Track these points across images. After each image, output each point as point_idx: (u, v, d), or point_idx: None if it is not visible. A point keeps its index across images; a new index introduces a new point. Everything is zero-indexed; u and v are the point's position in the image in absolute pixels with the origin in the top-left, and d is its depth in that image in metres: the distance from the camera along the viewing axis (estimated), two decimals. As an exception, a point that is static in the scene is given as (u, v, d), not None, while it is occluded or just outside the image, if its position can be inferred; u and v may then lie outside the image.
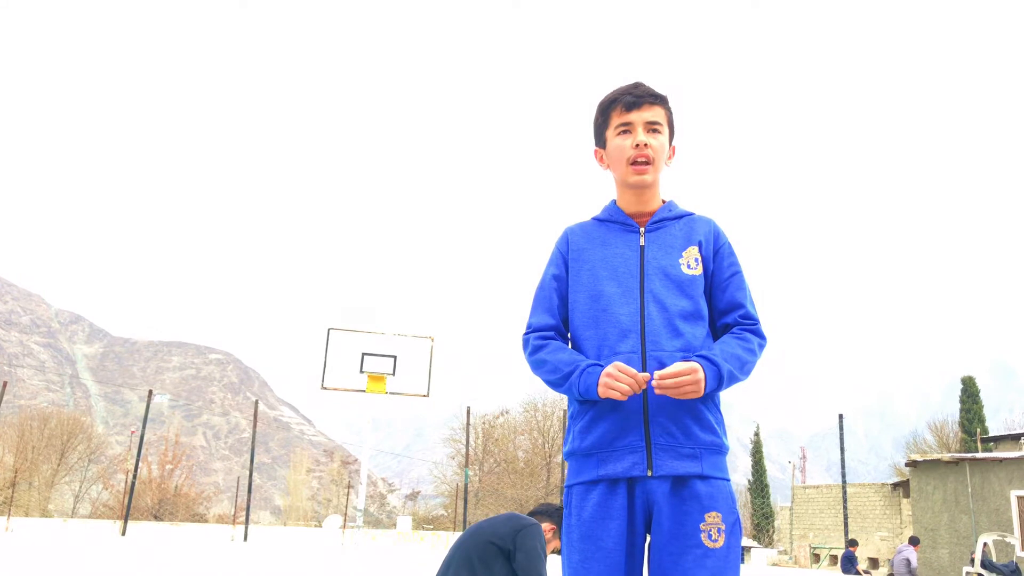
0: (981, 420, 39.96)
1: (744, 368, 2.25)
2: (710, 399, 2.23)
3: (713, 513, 2.13)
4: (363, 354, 14.26)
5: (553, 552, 4.48)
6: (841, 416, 18.16)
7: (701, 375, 2.11)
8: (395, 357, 14.37)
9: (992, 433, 36.97)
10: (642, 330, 2.23)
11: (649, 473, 2.14)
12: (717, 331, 2.36)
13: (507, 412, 49.51)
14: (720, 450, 2.22)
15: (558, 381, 2.27)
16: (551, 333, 2.36)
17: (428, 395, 14.64)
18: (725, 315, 2.35)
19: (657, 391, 2.11)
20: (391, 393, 14.37)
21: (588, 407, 2.24)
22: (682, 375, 2.09)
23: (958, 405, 42.06)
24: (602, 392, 2.13)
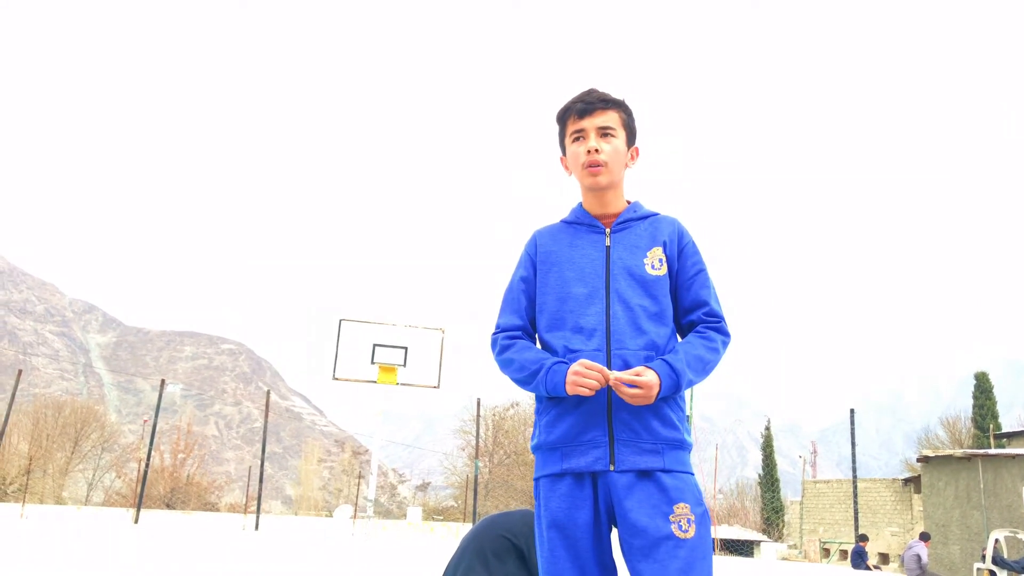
0: (994, 416, 39.70)
1: (705, 368, 2.34)
2: (672, 397, 2.30)
3: (681, 504, 2.19)
4: (374, 345, 14.31)
5: None
6: (852, 411, 18.07)
7: (656, 389, 2.19)
8: (406, 348, 14.41)
9: (1005, 429, 36.70)
10: (607, 329, 2.30)
11: (611, 467, 2.21)
12: (682, 328, 2.43)
13: (517, 404, 49.58)
14: (682, 446, 2.29)
15: (525, 379, 2.35)
16: (518, 333, 2.44)
17: (439, 386, 14.68)
18: (690, 313, 2.41)
19: (615, 389, 2.19)
20: (402, 384, 14.41)
21: (553, 403, 2.32)
22: (638, 387, 2.17)
23: (971, 401, 41.79)
24: (570, 389, 2.21)
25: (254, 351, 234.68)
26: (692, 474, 2.29)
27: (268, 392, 21.12)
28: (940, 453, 24.65)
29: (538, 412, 2.39)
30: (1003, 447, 29.84)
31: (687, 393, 2.38)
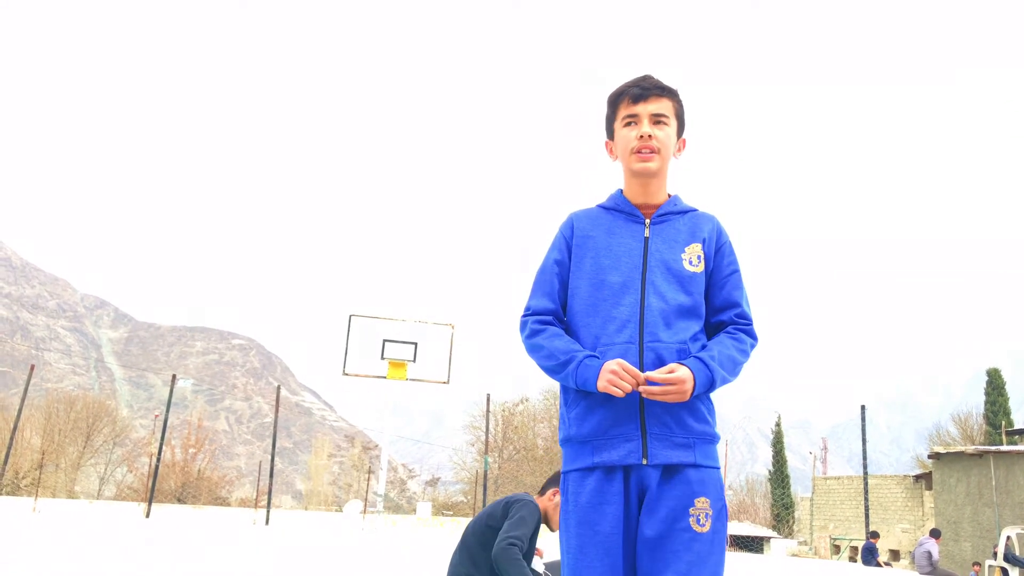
0: (1006, 413, 39.47)
1: (735, 370, 2.31)
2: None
3: (702, 498, 2.18)
4: (384, 340, 14.36)
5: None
6: (863, 407, 17.99)
7: (690, 385, 2.15)
8: (416, 344, 14.45)
9: (1017, 426, 36.51)
10: (641, 321, 2.26)
11: (644, 461, 2.18)
12: (711, 327, 2.39)
13: (527, 400, 49.63)
14: (712, 439, 2.27)
15: (554, 368, 2.31)
16: (550, 318, 2.39)
17: (448, 382, 14.71)
18: (720, 312, 2.38)
19: (644, 394, 2.15)
20: (412, 379, 14.45)
21: (583, 395, 2.28)
22: (671, 383, 2.13)
23: (982, 397, 41.59)
24: (602, 387, 2.17)
25: (264, 346, 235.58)
26: (718, 468, 2.28)
27: (278, 387, 21.17)
28: (951, 450, 24.56)
29: (566, 404, 2.35)
30: (1015, 444, 29.70)
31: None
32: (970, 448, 24.04)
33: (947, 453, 24.22)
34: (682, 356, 2.22)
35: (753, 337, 2.37)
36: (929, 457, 27.38)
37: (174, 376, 19.31)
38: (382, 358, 14.23)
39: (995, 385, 40.71)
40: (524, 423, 48.35)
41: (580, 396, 2.29)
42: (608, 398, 2.21)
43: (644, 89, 2.38)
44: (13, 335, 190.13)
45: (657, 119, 2.37)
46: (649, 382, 2.14)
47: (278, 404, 19.68)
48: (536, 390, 49.54)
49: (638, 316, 2.26)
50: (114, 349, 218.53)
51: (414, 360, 14.34)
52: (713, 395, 2.36)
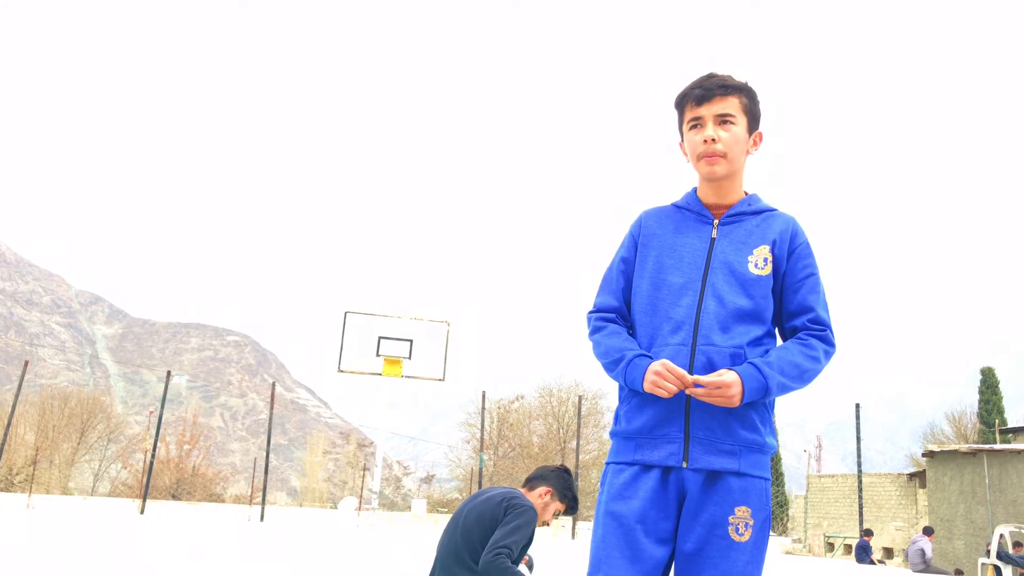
0: (1000, 411, 39.59)
1: (804, 376, 2.23)
2: (759, 401, 2.21)
3: (743, 507, 2.15)
4: (379, 337, 14.35)
5: (555, 516, 4.49)
6: (858, 405, 18.07)
7: (738, 389, 2.10)
8: (411, 341, 14.45)
9: (1011, 424, 36.64)
10: (696, 324, 2.22)
11: (684, 464, 2.15)
12: (785, 333, 2.34)
13: (522, 397, 49.58)
14: (762, 449, 2.22)
15: (608, 365, 2.31)
16: (612, 315, 2.38)
17: (444, 379, 14.72)
18: (794, 318, 2.31)
19: (692, 395, 2.13)
20: (407, 376, 14.46)
21: (634, 393, 2.27)
22: (716, 386, 2.09)
23: (976, 396, 41.71)
24: (647, 388, 2.15)
25: (260, 343, 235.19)
26: (767, 479, 2.24)
27: (273, 384, 21.18)
28: (945, 448, 24.62)
29: (621, 399, 2.34)
30: (1009, 442, 29.78)
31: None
32: (964, 446, 24.11)
33: (941, 451, 24.29)
34: (736, 361, 2.18)
35: (828, 343, 2.28)
36: (923, 455, 27.46)
37: (169, 372, 19.32)
38: (377, 355, 14.23)
39: (989, 384, 40.82)
40: (519, 420, 48.33)
41: (631, 394, 2.28)
42: (656, 398, 2.19)
43: (707, 90, 2.33)
44: (7, 331, 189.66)
45: (723, 119, 2.31)
46: (696, 385, 2.11)
47: (273, 401, 19.68)
48: (532, 388, 49.55)
49: (694, 318, 2.22)
50: (109, 345, 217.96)
51: (409, 357, 14.34)
52: (774, 405, 2.34)
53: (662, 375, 2.11)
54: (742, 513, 2.14)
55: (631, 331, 2.37)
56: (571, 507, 4.53)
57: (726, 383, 2.09)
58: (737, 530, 2.13)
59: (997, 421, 36.97)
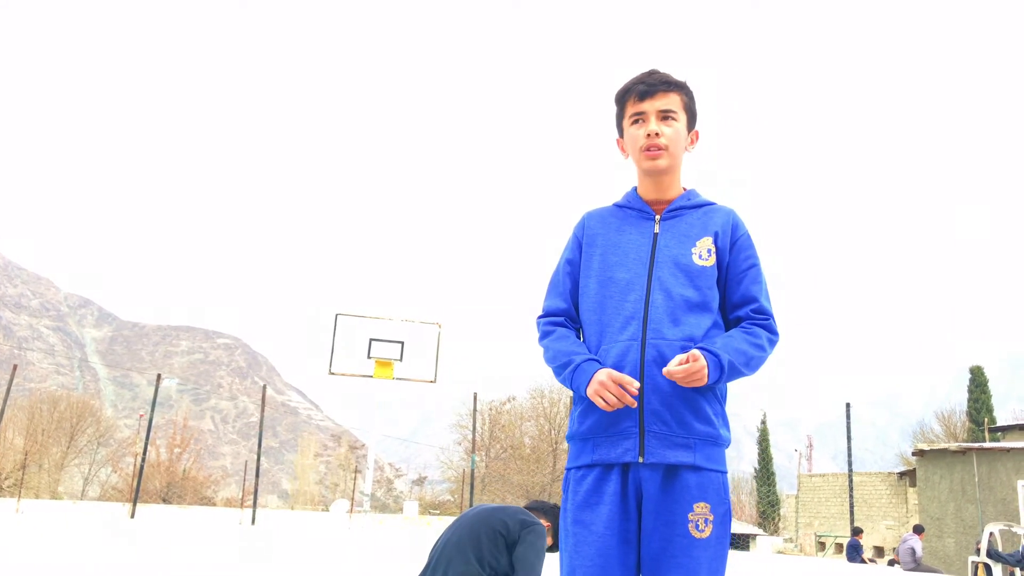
0: (989, 410, 39.80)
1: (750, 363, 2.24)
2: (710, 390, 2.22)
3: (702, 504, 2.15)
4: (371, 339, 14.33)
5: (548, 550, 4.53)
6: (848, 405, 18.13)
7: (704, 363, 2.10)
8: (402, 343, 14.43)
9: (1000, 423, 36.83)
10: (645, 318, 2.22)
11: (640, 459, 2.14)
12: (729, 324, 2.35)
13: (514, 399, 49.55)
14: (717, 441, 2.22)
15: (557, 370, 2.31)
16: (561, 319, 2.38)
17: (435, 381, 14.70)
18: (738, 308, 2.33)
19: (667, 375, 2.11)
20: (398, 379, 14.43)
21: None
22: (687, 363, 2.08)
23: (966, 395, 41.93)
24: (590, 395, 2.16)
25: (250, 345, 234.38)
26: (723, 472, 2.24)
27: (264, 387, 21.11)
28: (935, 447, 24.71)
29: (575, 401, 2.34)
30: (998, 440, 29.94)
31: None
32: (953, 445, 24.21)
33: (931, 450, 24.38)
34: (685, 352, 2.17)
35: (772, 332, 2.31)
36: (913, 454, 27.55)
37: (159, 375, 19.24)
38: (368, 357, 14.20)
39: (978, 383, 41.04)
40: (511, 422, 48.30)
41: (584, 396, 2.26)
42: None
43: (650, 86, 2.35)
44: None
45: (665, 115, 2.34)
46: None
47: (264, 403, 19.62)
48: (523, 389, 49.52)
49: (642, 313, 2.23)
50: (98, 348, 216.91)
51: (400, 359, 14.32)
52: (726, 397, 2.31)
53: (605, 385, 2.12)
54: (701, 509, 2.14)
55: (580, 332, 2.38)
56: (555, 547, 4.55)
57: (695, 356, 2.08)
58: (697, 527, 2.13)
59: (986, 420, 37.14)
